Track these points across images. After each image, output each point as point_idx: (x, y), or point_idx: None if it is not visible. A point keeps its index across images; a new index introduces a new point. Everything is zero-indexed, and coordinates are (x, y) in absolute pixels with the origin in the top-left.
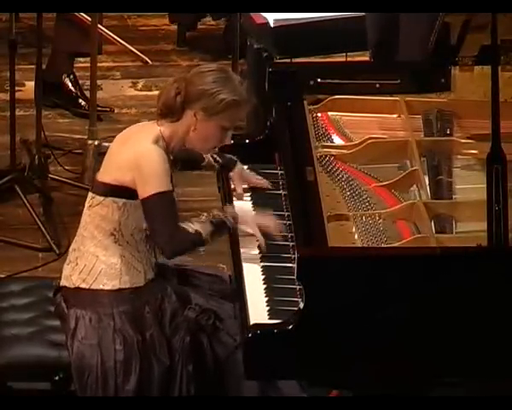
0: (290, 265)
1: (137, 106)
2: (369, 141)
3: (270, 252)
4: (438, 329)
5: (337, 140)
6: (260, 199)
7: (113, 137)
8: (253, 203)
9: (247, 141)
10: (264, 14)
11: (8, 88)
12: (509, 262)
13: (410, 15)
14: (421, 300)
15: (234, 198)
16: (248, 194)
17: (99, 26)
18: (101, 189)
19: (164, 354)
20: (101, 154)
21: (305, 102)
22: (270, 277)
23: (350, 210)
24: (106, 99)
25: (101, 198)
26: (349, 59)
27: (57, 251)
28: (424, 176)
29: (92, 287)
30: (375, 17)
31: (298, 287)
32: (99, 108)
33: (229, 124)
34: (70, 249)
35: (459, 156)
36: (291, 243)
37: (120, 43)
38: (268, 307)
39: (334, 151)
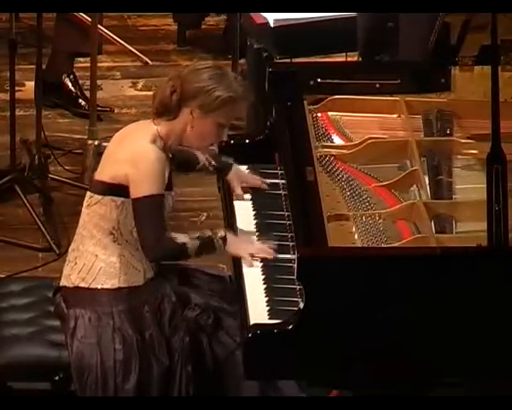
0: (290, 265)
1: (137, 106)
2: (369, 141)
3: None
4: (438, 329)
5: (337, 140)
6: (260, 199)
7: (113, 136)
8: (252, 203)
9: (247, 141)
10: (264, 14)
11: (8, 88)
12: (509, 262)
13: (410, 15)
14: (421, 300)
15: (234, 198)
16: (248, 194)
17: (99, 26)
18: (99, 187)
19: (163, 354)
20: (101, 154)
21: (305, 102)
22: (270, 277)
23: (350, 210)
24: (106, 99)
25: (100, 197)
26: (349, 59)
27: (57, 251)
28: (424, 176)
29: (91, 286)
30: (367, 18)
31: (298, 287)
32: (99, 108)
33: (225, 120)
34: (69, 249)
35: (459, 156)
36: (291, 243)
37: (120, 44)
38: (268, 307)
39: (334, 151)
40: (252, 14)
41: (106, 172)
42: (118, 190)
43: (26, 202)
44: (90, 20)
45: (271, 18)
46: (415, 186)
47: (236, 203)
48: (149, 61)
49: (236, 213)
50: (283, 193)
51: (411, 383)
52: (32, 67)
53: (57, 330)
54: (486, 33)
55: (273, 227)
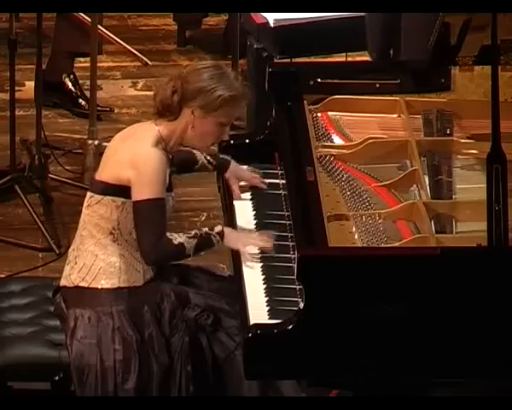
0: (290, 265)
1: (137, 106)
2: (369, 141)
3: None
4: (438, 329)
5: (337, 140)
6: (260, 199)
7: (113, 137)
8: (252, 203)
9: (247, 141)
10: (264, 14)
11: (8, 88)
12: (509, 262)
13: (410, 15)
14: (422, 300)
15: (234, 198)
16: (248, 193)
17: (99, 26)
18: (99, 188)
19: (163, 354)
20: (101, 154)
21: (305, 102)
22: (270, 277)
23: (350, 210)
24: (106, 99)
25: (100, 197)
26: (349, 59)
27: (57, 251)
28: (424, 176)
29: (91, 286)
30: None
31: (298, 287)
32: (99, 108)
33: (226, 119)
34: (69, 250)
35: (459, 156)
36: (291, 243)
37: (120, 44)
38: (268, 307)
39: (334, 151)
40: (252, 14)
41: (107, 172)
42: (119, 190)
43: (26, 202)
44: (89, 20)
45: (271, 18)
46: (415, 186)
47: (236, 203)
48: (149, 62)
49: (236, 213)
50: (283, 193)
51: (411, 383)
52: (32, 67)
53: (57, 330)
54: (486, 33)
55: (273, 227)
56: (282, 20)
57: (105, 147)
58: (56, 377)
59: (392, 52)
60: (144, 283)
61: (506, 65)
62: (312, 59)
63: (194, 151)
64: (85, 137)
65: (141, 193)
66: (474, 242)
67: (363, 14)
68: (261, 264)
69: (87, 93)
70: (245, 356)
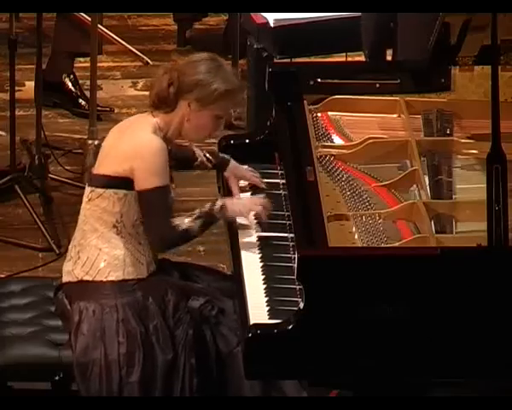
0: (290, 265)
1: (137, 106)
2: (369, 141)
3: (270, 252)
4: (438, 329)
5: (337, 140)
6: None
7: (110, 130)
8: None
9: (247, 141)
10: (264, 14)
11: (8, 88)
12: (509, 262)
13: (407, 15)
14: (421, 300)
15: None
16: (248, 193)
17: (99, 26)
18: (100, 181)
19: (167, 346)
20: None
21: (305, 102)
22: (270, 277)
23: (350, 210)
24: (106, 99)
25: (101, 190)
26: (349, 59)
27: (57, 251)
28: (424, 176)
29: (96, 279)
30: (372, 18)
31: (298, 287)
32: (99, 108)
33: (222, 112)
34: (69, 247)
35: (459, 156)
36: (291, 243)
37: (121, 44)
38: (268, 307)
39: (334, 151)
40: (252, 14)
41: (107, 166)
42: (120, 183)
43: (26, 202)
44: (90, 20)
45: (271, 18)
46: (415, 186)
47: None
48: (150, 61)
49: None
50: (283, 193)
51: (411, 383)
52: (32, 67)
53: (57, 330)
54: (486, 33)
55: (273, 227)
56: (282, 20)
57: None
58: (56, 377)
59: (385, 51)
60: (148, 275)
61: (506, 65)
62: (312, 59)
63: (194, 148)
64: (85, 137)
65: (148, 181)
66: (474, 242)
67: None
68: (261, 264)
69: (87, 93)
70: (245, 356)
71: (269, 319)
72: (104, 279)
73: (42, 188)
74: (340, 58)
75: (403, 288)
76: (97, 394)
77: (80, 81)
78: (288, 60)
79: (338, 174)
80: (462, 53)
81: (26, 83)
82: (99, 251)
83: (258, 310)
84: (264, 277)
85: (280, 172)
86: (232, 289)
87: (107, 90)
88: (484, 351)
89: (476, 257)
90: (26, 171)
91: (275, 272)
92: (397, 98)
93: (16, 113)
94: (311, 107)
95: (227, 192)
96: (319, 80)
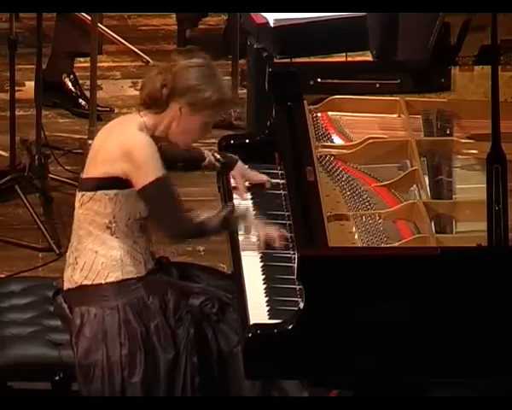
0: (290, 265)
1: (137, 106)
2: (369, 141)
3: (270, 252)
4: (438, 329)
5: (337, 140)
6: (261, 199)
7: (98, 132)
8: (253, 203)
9: (247, 141)
10: (264, 14)
11: (8, 88)
12: (509, 262)
13: (411, 15)
14: (421, 300)
15: (234, 198)
16: (249, 193)
17: (99, 25)
18: (89, 185)
19: (169, 345)
20: None
21: (305, 102)
22: (270, 277)
23: (350, 210)
24: (106, 99)
25: (92, 193)
26: (349, 59)
27: (57, 251)
28: (424, 176)
29: (95, 282)
30: (378, 17)
31: (298, 287)
32: (99, 108)
33: (212, 119)
34: (67, 253)
35: (459, 156)
36: (291, 243)
37: (121, 43)
38: (268, 307)
39: (334, 151)
40: (252, 14)
41: (96, 168)
42: (110, 183)
43: (26, 202)
44: (90, 19)
45: (271, 18)
46: (415, 186)
47: (236, 203)
48: (150, 61)
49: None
50: (283, 193)
51: (411, 383)
52: (32, 67)
53: (57, 330)
54: (486, 33)
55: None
56: (281, 20)
57: None
58: (57, 377)
59: (391, 51)
60: (146, 273)
61: (506, 65)
62: (312, 59)
63: (202, 149)
64: (85, 137)
65: (144, 178)
66: (474, 242)
67: (363, 14)
68: (261, 264)
69: (87, 93)
70: (245, 356)
71: (269, 319)
72: (103, 281)
73: (42, 188)
74: (340, 58)
75: (403, 288)
76: (100, 395)
77: (80, 81)
78: (288, 60)
79: (338, 174)
80: (462, 53)
81: (26, 83)
82: (96, 254)
83: (258, 310)
84: (264, 277)
85: (280, 172)
86: (232, 288)
87: (107, 90)
88: (484, 351)
89: (476, 257)
90: (26, 171)
91: (275, 272)
92: (397, 98)
93: (16, 113)
94: (311, 107)
95: (227, 192)
96: (319, 80)
